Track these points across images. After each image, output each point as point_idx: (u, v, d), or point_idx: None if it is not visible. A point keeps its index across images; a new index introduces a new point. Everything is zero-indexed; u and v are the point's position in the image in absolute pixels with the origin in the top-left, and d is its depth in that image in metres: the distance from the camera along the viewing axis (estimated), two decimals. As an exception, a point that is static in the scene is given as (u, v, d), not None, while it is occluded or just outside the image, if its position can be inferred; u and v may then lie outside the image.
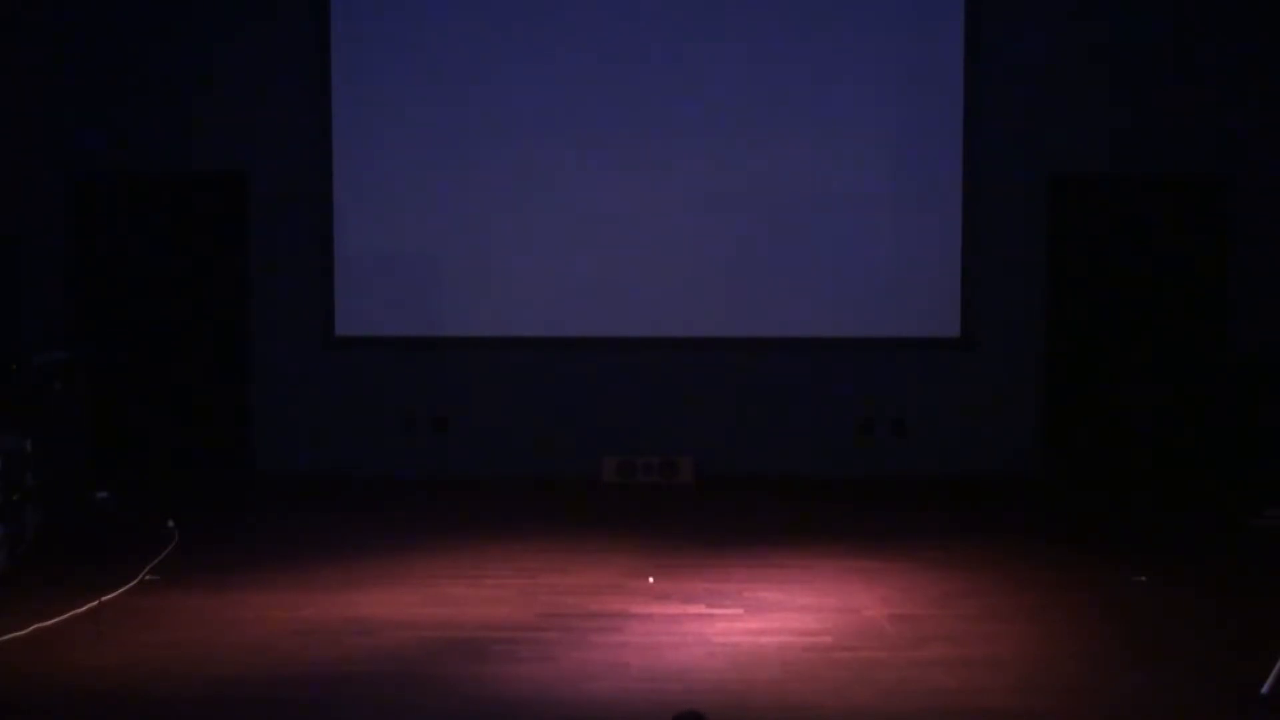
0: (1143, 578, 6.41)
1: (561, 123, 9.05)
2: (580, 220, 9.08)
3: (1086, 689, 4.95)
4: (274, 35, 9.07)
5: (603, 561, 6.80)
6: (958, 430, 9.11)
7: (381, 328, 9.16)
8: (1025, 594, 6.18)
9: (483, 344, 9.16)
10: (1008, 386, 9.11)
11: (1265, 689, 4.75)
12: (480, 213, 9.10)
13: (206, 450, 9.19)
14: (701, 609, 5.95)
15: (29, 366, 7.62)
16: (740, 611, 5.91)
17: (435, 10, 9.06)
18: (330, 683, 5.03)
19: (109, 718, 4.75)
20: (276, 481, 8.95)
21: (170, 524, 6.95)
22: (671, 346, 9.14)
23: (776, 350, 9.13)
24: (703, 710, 4.08)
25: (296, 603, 6.06)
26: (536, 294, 9.12)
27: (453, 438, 9.17)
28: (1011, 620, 5.79)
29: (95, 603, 5.91)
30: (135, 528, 7.31)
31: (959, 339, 9.10)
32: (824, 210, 9.06)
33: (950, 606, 5.99)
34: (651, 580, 6.40)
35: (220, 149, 9.09)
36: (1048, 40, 9.00)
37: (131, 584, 6.25)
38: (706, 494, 8.70)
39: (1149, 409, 9.11)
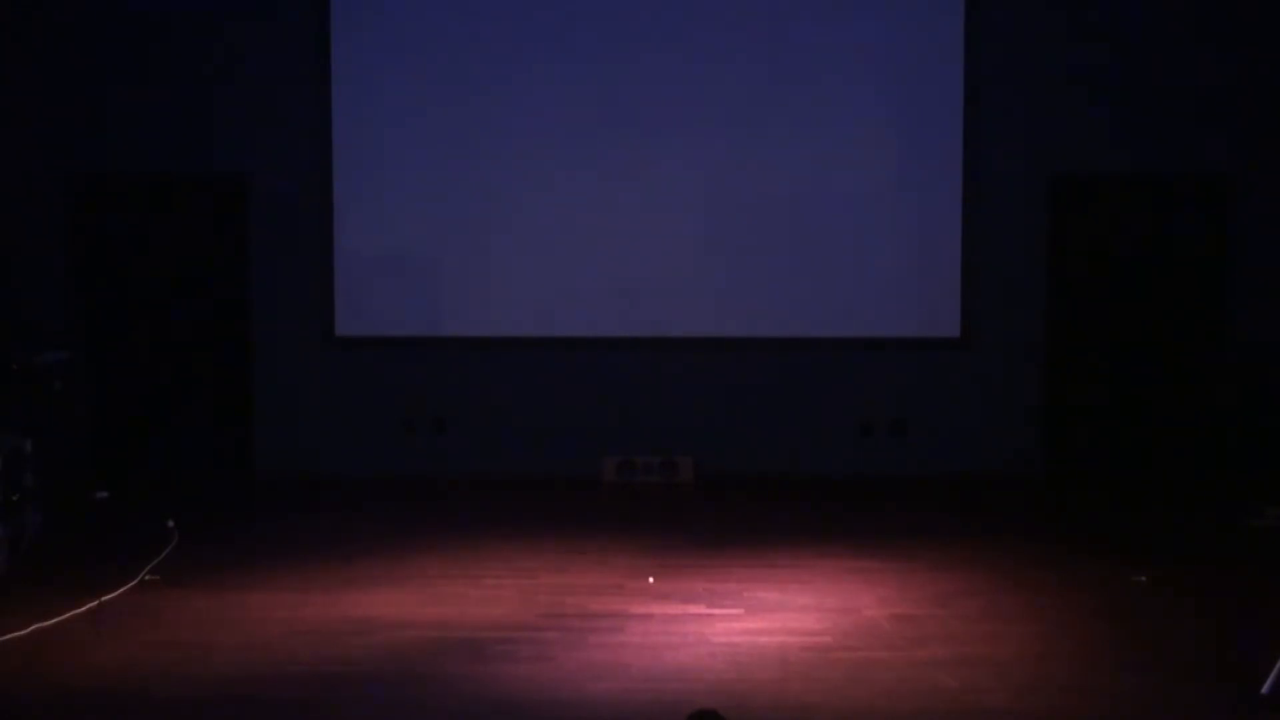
0: (1143, 578, 6.41)
1: (562, 123, 9.04)
2: (580, 220, 9.07)
3: (1086, 689, 4.95)
4: (275, 35, 9.06)
5: (603, 561, 6.80)
6: (958, 430, 9.11)
7: (381, 328, 9.16)
8: (1025, 594, 6.18)
9: (483, 344, 9.16)
10: (1008, 386, 9.10)
11: (1265, 689, 4.75)
12: (480, 213, 9.10)
13: (206, 450, 9.19)
14: (701, 609, 5.95)
15: (29, 366, 7.62)
16: (740, 611, 5.91)
17: (436, 11, 9.05)
18: (330, 683, 5.04)
19: (109, 718, 4.75)
20: (276, 481, 8.95)
21: (170, 524, 6.94)
22: (671, 346, 9.14)
23: (777, 350, 9.13)
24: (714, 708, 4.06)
25: (296, 603, 6.06)
26: (536, 294, 9.11)
27: (452, 438, 9.17)
28: (1011, 620, 5.79)
29: (95, 603, 5.91)
30: (135, 528, 7.31)
31: (959, 339, 9.10)
32: (824, 210, 9.06)
33: (950, 606, 5.99)
34: (651, 580, 6.40)
35: (221, 149, 9.08)
36: (1048, 40, 8.99)
37: (131, 584, 6.25)
38: (706, 494, 8.70)
39: (1149, 408, 9.11)
